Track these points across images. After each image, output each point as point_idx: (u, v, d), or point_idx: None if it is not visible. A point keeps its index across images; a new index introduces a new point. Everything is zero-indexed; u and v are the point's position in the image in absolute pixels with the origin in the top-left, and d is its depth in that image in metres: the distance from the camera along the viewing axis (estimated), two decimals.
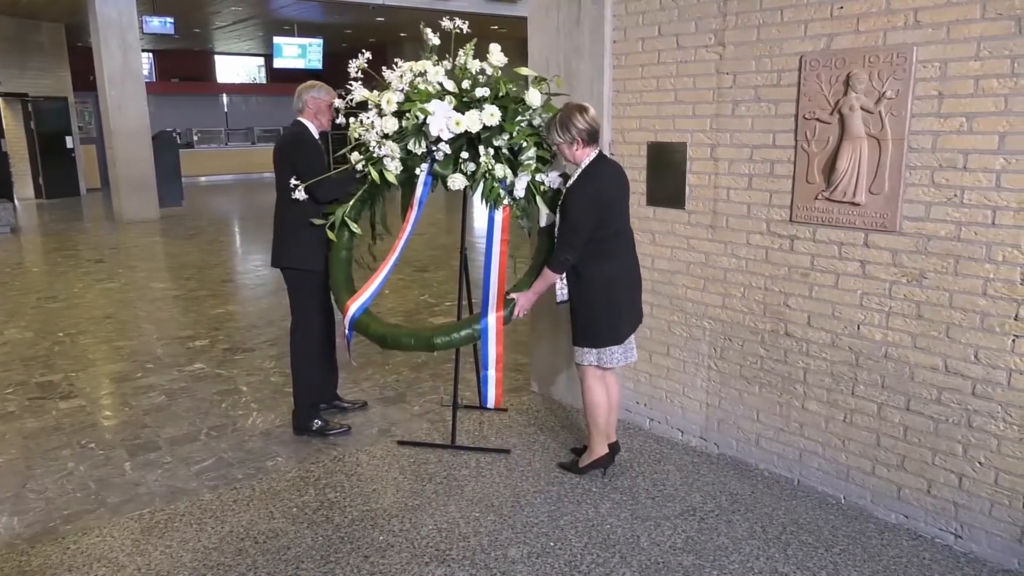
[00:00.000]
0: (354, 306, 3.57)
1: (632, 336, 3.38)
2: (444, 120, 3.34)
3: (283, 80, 23.91)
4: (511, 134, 3.35)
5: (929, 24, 2.72)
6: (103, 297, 7.35)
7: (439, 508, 3.25)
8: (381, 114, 3.48)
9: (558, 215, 3.24)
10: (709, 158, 3.51)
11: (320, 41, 18.41)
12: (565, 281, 3.30)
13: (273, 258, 3.92)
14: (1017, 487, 2.71)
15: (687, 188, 3.62)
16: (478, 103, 3.37)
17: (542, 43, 4.16)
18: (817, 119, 3.06)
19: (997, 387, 2.71)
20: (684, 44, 3.51)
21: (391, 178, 3.52)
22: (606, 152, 3.89)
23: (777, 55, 3.17)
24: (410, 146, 3.43)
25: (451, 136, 3.37)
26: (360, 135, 3.55)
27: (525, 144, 3.36)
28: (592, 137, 3.14)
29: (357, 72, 3.55)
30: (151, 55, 22.62)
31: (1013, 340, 2.66)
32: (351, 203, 3.65)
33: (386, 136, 3.48)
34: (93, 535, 3.09)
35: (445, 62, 3.52)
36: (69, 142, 16.46)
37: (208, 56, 24.08)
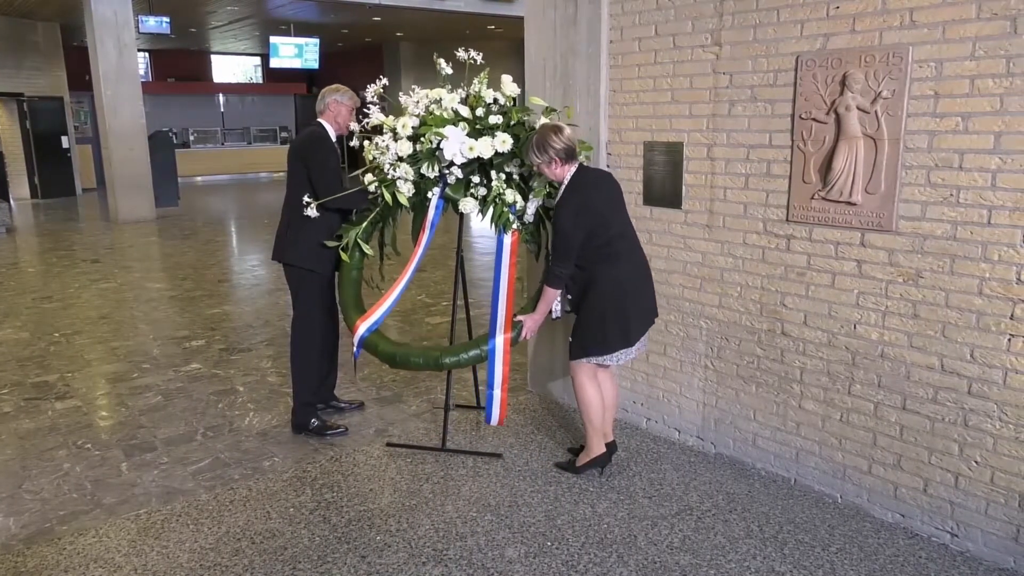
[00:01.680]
0: (363, 326, 3.68)
1: (644, 336, 3.39)
2: (458, 145, 3.42)
3: (279, 80, 23.92)
4: (523, 160, 3.42)
5: (925, 24, 2.72)
6: (99, 297, 7.33)
7: (436, 508, 3.25)
8: (396, 138, 3.55)
9: (550, 231, 3.29)
10: (706, 158, 3.51)
11: (317, 41, 18.37)
12: (558, 298, 3.36)
13: (275, 251, 3.96)
14: (1013, 486, 2.72)
15: (684, 188, 3.62)
16: (491, 130, 3.44)
17: (538, 43, 4.16)
18: (813, 119, 3.07)
19: (993, 386, 2.72)
20: (680, 44, 3.52)
21: (404, 201, 3.60)
22: (602, 153, 3.92)
23: (773, 55, 3.17)
24: (423, 169, 3.51)
25: (464, 161, 3.46)
26: (375, 157, 3.63)
27: (536, 170, 3.41)
28: (569, 155, 3.19)
29: (373, 97, 3.64)
30: (147, 55, 22.57)
31: (1009, 339, 2.67)
32: (363, 224, 3.72)
33: (400, 159, 3.55)
34: (89, 536, 3.08)
35: (459, 90, 3.60)
36: (65, 142, 16.40)
37: (204, 56, 24.02)
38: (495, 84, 3.58)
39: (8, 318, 6.57)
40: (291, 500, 3.33)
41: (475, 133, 3.46)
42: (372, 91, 3.66)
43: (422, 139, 3.47)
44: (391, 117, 3.63)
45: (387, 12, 14.98)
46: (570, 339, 3.36)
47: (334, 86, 3.91)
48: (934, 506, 2.94)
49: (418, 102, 3.59)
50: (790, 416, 3.36)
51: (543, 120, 3.45)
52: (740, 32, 3.27)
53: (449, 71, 3.62)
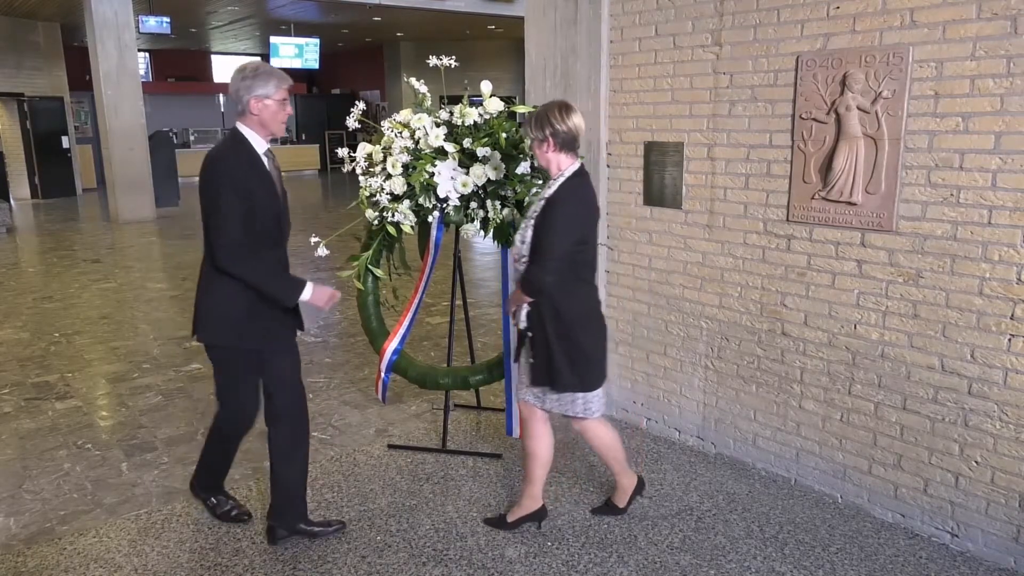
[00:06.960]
0: (389, 349, 3.78)
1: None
2: (450, 182, 3.42)
3: None
4: (515, 189, 3.41)
5: (925, 24, 2.72)
6: (99, 297, 7.33)
7: (436, 508, 3.25)
8: (388, 176, 3.52)
9: (531, 231, 2.72)
10: (706, 158, 3.51)
11: (317, 41, 18.36)
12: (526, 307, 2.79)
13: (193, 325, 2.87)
14: (1013, 486, 2.72)
15: (684, 188, 3.62)
16: (481, 160, 3.42)
17: (539, 43, 4.16)
18: (814, 119, 3.07)
19: (993, 386, 2.72)
20: (681, 44, 3.52)
21: (408, 230, 3.62)
22: (603, 153, 3.91)
23: (774, 55, 3.17)
24: (420, 200, 3.51)
25: (458, 195, 3.47)
26: (372, 194, 3.59)
27: (529, 197, 3.41)
28: (567, 144, 2.69)
29: (355, 123, 3.60)
30: (147, 55, 22.55)
31: (1009, 339, 2.66)
32: (372, 251, 3.73)
33: (396, 197, 3.52)
34: (90, 536, 3.08)
35: (441, 111, 3.55)
36: (65, 142, 16.39)
37: (204, 56, 24.01)
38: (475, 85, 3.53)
39: (9, 318, 6.57)
40: None
41: (466, 159, 3.43)
42: (352, 119, 3.59)
43: (414, 172, 3.42)
44: (379, 147, 3.57)
45: (387, 12, 14.98)
46: (531, 360, 2.81)
47: (245, 71, 2.78)
48: (934, 506, 2.94)
49: (401, 132, 3.51)
50: (790, 416, 3.36)
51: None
52: (740, 32, 3.27)
53: (424, 89, 3.58)
